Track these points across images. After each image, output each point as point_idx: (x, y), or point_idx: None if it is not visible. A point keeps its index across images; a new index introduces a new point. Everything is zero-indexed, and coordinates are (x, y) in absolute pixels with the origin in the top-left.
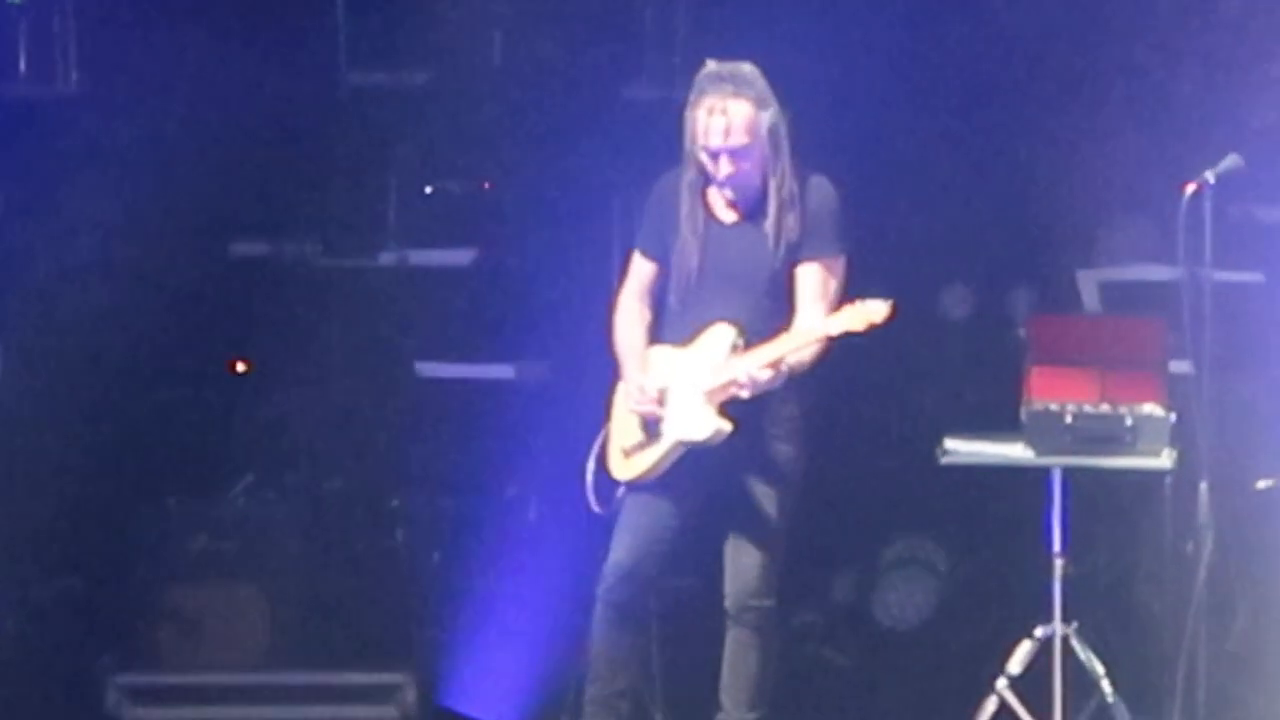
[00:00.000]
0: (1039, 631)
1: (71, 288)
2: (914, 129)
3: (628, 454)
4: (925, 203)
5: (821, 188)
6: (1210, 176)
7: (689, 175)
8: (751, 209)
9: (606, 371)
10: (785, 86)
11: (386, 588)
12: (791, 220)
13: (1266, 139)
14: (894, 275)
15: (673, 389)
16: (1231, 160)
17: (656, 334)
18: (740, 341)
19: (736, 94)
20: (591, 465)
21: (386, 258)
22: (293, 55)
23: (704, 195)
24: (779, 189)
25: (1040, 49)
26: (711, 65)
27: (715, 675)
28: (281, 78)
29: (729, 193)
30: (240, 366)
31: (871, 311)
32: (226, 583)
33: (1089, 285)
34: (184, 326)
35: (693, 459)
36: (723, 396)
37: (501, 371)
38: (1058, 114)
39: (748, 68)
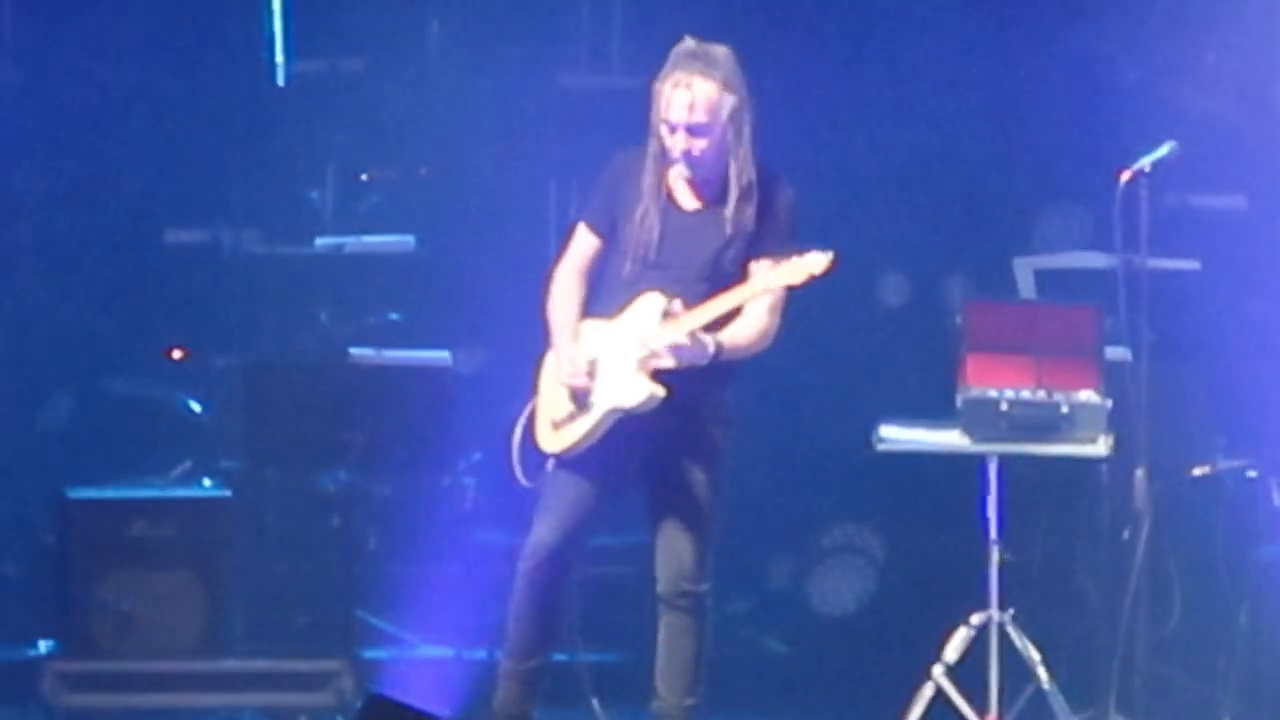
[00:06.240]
0: (975, 619)
1: (6, 275)
2: (849, 118)
3: (557, 426)
4: (861, 190)
5: (785, 189)
6: (1146, 164)
7: (654, 148)
8: (713, 194)
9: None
10: None
11: (323, 574)
12: (750, 209)
13: (1202, 127)
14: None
15: (603, 359)
16: (1167, 148)
17: (597, 307)
18: (673, 307)
19: (705, 73)
20: (518, 437)
21: (323, 244)
22: (229, 42)
23: (665, 175)
24: (739, 175)
25: (975, 38)
26: (688, 42)
27: (649, 661)
28: (218, 65)
29: (689, 173)
30: (176, 353)
31: (811, 263)
32: (163, 570)
33: (1025, 273)
34: (120, 313)
35: (625, 440)
36: (654, 364)
37: (438, 358)
38: (994, 101)
39: (722, 50)
